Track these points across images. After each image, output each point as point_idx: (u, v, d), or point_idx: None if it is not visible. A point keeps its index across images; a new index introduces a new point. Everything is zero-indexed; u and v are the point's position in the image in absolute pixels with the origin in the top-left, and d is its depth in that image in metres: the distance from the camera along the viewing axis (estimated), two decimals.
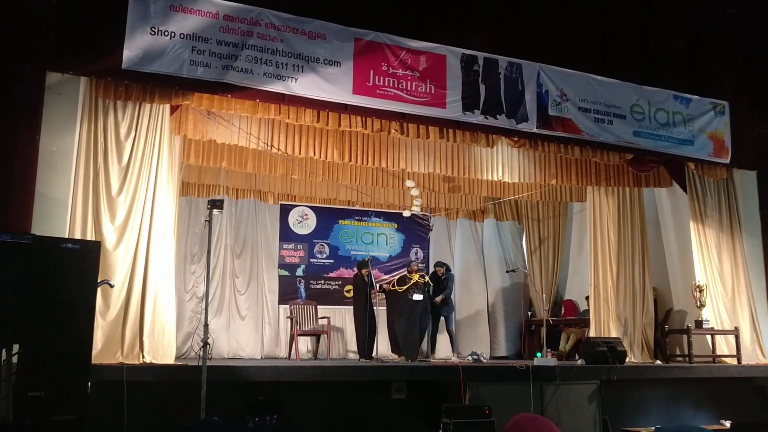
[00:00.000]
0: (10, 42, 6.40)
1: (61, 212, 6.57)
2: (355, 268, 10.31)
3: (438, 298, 10.23)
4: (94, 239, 6.55)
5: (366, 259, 9.99)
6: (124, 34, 6.81)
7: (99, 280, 5.85)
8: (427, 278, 10.07)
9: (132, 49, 6.82)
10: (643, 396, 8.37)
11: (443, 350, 10.88)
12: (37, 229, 5.98)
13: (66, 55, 6.68)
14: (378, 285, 9.58)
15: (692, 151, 9.75)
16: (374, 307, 9.59)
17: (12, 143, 6.28)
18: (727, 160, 10.00)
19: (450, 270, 10.63)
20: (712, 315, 9.61)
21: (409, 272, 9.79)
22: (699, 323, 9.48)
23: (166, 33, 6.99)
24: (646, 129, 9.43)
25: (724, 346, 9.58)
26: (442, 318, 10.49)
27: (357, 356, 9.80)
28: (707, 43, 10.25)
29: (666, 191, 10.55)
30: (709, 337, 9.55)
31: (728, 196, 10.18)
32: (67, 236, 6.41)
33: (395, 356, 9.70)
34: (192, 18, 7.15)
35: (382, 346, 9.96)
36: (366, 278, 9.64)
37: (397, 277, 10.19)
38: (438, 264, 10.71)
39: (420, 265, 10.75)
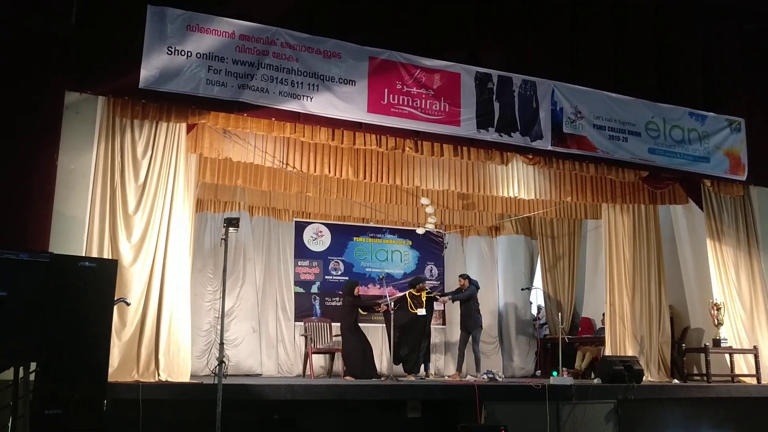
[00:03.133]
0: (29, 62, 6.47)
1: (78, 230, 6.62)
2: (346, 288, 10.20)
3: (444, 298, 10.67)
4: (110, 257, 6.59)
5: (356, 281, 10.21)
6: (142, 53, 6.89)
7: (115, 298, 5.87)
8: (434, 294, 10.26)
9: (149, 69, 6.89)
10: (660, 415, 8.28)
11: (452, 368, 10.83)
12: (54, 247, 6.02)
13: (84, 74, 6.76)
14: (391, 303, 9.56)
15: (708, 168, 9.70)
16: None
17: (31, 162, 6.34)
18: (744, 177, 9.94)
19: (473, 283, 10.56)
20: (731, 334, 9.52)
21: (417, 291, 9.79)
22: (717, 342, 9.39)
23: (183, 52, 7.07)
24: (661, 146, 9.40)
25: (743, 365, 9.47)
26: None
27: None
28: (722, 59, 10.21)
29: (682, 208, 10.49)
30: (727, 356, 9.45)
31: (745, 213, 10.10)
32: (84, 254, 6.45)
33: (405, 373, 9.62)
34: (208, 37, 7.23)
35: (386, 363, 10.01)
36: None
37: (408, 296, 10.05)
38: (461, 276, 10.72)
39: (432, 282, 10.83)
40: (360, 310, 9.87)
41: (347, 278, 11.28)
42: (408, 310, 9.66)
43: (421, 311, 9.65)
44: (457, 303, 10.49)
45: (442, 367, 11.52)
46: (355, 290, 9.78)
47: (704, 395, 8.55)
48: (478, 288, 10.57)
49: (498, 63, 8.66)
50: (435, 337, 11.57)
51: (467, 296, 10.27)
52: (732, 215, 9.98)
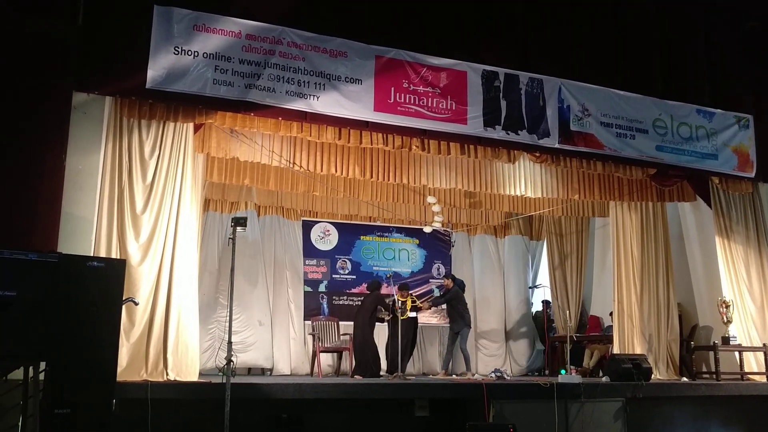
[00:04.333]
0: (36, 63, 6.47)
1: (86, 231, 6.63)
2: (372, 285, 10.30)
3: (425, 304, 10.65)
4: (118, 257, 6.61)
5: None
6: (149, 53, 6.88)
7: (124, 298, 5.89)
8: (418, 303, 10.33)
9: (156, 69, 6.89)
10: (669, 414, 8.25)
11: (461, 367, 10.82)
12: (63, 247, 6.04)
13: (91, 75, 6.76)
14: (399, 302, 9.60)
15: (716, 166, 9.65)
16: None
17: (39, 163, 6.35)
18: (752, 174, 9.88)
19: (457, 283, 10.55)
20: (741, 331, 9.47)
21: (403, 297, 9.80)
22: (726, 339, 9.35)
23: (190, 52, 7.07)
24: (669, 143, 9.36)
25: (753, 363, 9.42)
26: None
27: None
28: (729, 56, 10.15)
29: (690, 206, 10.45)
30: (737, 354, 9.41)
31: (754, 211, 10.03)
32: (92, 254, 6.46)
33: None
34: (215, 37, 7.22)
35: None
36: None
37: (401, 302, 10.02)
38: (445, 275, 10.83)
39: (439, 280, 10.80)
40: (383, 309, 9.85)
41: (354, 277, 11.31)
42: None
43: (412, 314, 9.70)
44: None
45: (450, 366, 11.50)
46: (381, 288, 9.82)
47: (713, 393, 8.51)
48: (462, 288, 10.54)
49: (504, 61, 8.63)
50: (443, 335, 11.59)
51: (448, 299, 10.28)
52: (741, 212, 9.92)
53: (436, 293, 11.77)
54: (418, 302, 10.33)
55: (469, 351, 10.34)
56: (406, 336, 9.62)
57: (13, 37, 6.42)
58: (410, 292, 10.29)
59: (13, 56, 6.40)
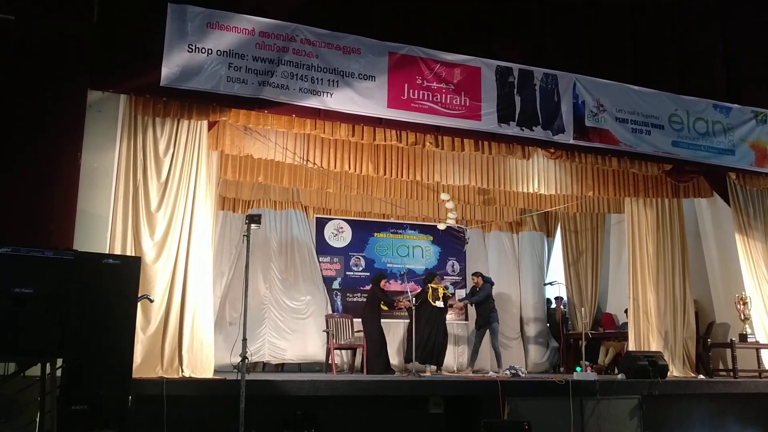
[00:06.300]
0: (51, 61, 6.50)
1: (101, 228, 6.67)
2: (374, 279, 10.44)
3: (458, 303, 10.71)
4: (133, 254, 6.64)
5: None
6: (163, 51, 6.91)
7: (139, 295, 5.90)
8: (448, 291, 10.38)
9: (170, 67, 6.92)
10: (686, 411, 8.19)
11: (483, 364, 10.77)
12: (78, 245, 6.07)
13: (106, 73, 6.79)
14: (413, 299, 9.59)
15: (733, 161, 9.56)
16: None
17: (54, 161, 6.37)
18: None
19: (487, 280, 10.55)
20: (762, 328, 9.37)
21: (435, 284, 9.85)
22: (743, 337, 9.27)
23: (203, 50, 7.09)
24: (685, 139, 9.28)
25: None
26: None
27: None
28: (745, 50, 10.07)
29: (706, 202, 10.37)
30: (755, 351, 9.32)
31: None
32: (107, 252, 6.50)
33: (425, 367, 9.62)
34: (228, 35, 7.24)
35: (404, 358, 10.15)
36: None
37: (430, 290, 10.09)
38: (474, 274, 10.73)
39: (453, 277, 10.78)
40: (381, 305, 9.93)
41: (368, 274, 11.30)
42: (430, 303, 9.66)
43: (440, 303, 9.71)
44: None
45: (464, 362, 11.49)
46: (382, 282, 9.82)
47: (730, 391, 8.43)
48: (492, 284, 10.56)
49: (518, 56, 8.59)
50: (458, 332, 11.57)
51: (485, 297, 10.29)
52: (759, 208, 9.84)
53: (450, 290, 11.75)
54: (447, 292, 10.33)
55: (485, 349, 10.33)
56: (440, 327, 9.69)
57: (28, 35, 6.45)
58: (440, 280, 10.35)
59: (28, 55, 6.43)
